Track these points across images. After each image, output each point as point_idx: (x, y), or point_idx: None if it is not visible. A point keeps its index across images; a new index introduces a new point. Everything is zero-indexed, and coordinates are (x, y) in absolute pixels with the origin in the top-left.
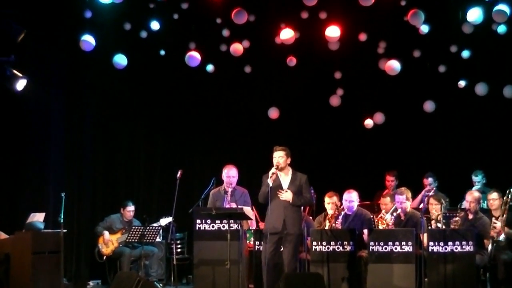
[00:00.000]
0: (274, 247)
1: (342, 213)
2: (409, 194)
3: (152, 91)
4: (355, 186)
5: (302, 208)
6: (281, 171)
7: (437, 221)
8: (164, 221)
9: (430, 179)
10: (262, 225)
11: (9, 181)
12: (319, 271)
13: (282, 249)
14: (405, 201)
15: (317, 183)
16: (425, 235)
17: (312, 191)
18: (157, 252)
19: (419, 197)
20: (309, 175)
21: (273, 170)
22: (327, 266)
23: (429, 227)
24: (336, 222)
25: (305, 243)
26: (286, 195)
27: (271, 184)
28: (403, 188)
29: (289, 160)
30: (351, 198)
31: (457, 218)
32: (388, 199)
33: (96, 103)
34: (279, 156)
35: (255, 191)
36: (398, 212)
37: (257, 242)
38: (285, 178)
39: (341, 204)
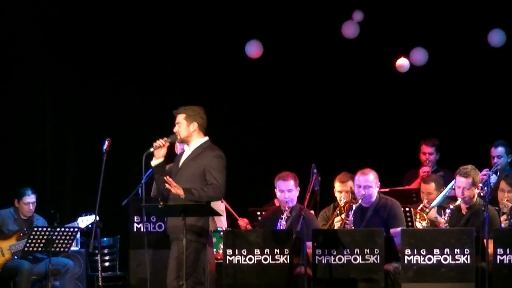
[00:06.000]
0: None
1: (354, 206)
2: (478, 177)
3: (60, 23)
4: (376, 163)
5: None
6: (184, 143)
7: (509, 216)
8: (84, 220)
9: (500, 149)
10: (242, 223)
11: None
12: None
13: None
14: (470, 187)
15: (321, 159)
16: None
17: (315, 170)
18: (72, 267)
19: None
20: (310, 146)
21: (160, 142)
22: (338, 286)
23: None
24: (347, 220)
25: (304, 252)
26: (176, 190)
27: (154, 163)
28: (469, 167)
29: (194, 126)
30: (368, 183)
31: None
32: (432, 184)
33: None
34: (177, 122)
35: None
36: (457, 204)
37: (229, 251)
38: (186, 153)
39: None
